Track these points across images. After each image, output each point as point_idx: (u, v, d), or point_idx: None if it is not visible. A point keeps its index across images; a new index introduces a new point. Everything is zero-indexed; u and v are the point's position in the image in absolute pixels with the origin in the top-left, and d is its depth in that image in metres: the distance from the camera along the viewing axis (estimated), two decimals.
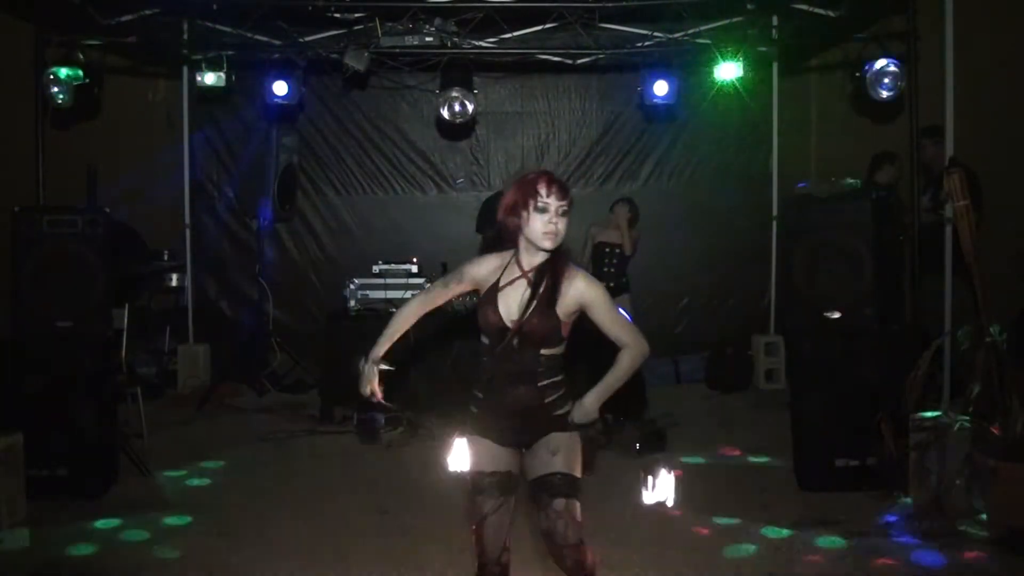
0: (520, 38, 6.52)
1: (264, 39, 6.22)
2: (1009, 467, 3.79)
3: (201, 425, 6.06)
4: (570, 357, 2.64)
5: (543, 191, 2.48)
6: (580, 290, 2.53)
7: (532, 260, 2.56)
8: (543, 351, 2.55)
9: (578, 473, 2.58)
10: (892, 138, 6.26)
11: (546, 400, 2.57)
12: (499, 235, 2.63)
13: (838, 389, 4.45)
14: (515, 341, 2.53)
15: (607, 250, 6.52)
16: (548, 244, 2.50)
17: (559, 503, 2.51)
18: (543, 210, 2.48)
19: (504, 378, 2.56)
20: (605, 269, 6.49)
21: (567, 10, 5.79)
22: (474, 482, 2.62)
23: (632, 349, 2.57)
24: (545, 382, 2.57)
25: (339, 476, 4.96)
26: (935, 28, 5.04)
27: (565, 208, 2.51)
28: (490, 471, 2.60)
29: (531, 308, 2.51)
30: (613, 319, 2.58)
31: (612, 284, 6.46)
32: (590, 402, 2.57)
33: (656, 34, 6.24)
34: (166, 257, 7.20)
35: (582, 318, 2.60)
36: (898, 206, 6.03)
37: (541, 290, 2.51)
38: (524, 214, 2.50)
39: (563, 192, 2.51)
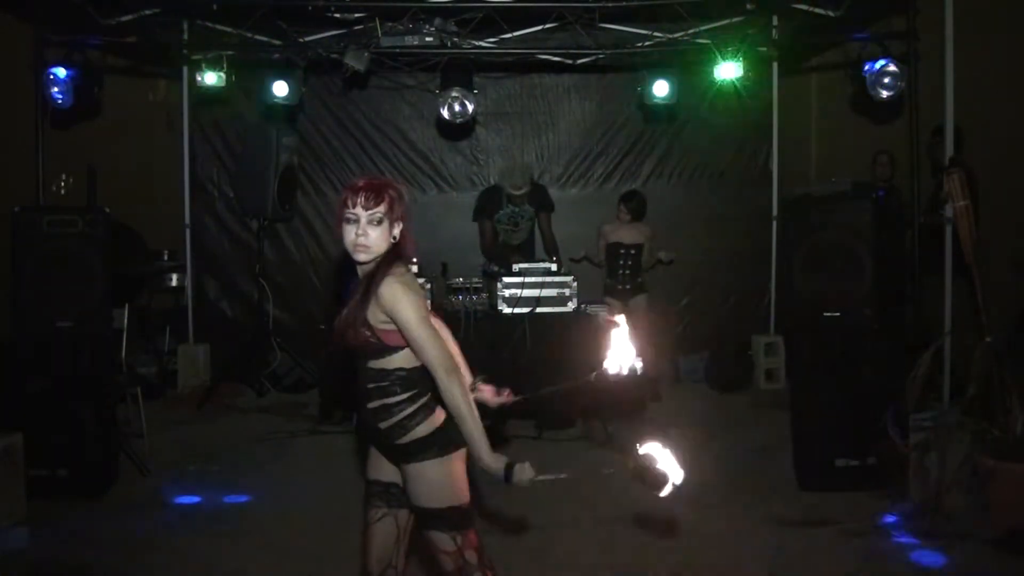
0: (520, 38, 6.52)
1: (264, 39, 6.22)
2: (1009, 467, 3.79)
3: (201, 425, 6.06)
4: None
5: (350, 201, 2.31)
6: (384, 294, 2.28)
7: (364, 270, 2.38)
8: (371, 363, 2.36)
9: (441, 502, 2.35)
10: (892, 138, 6.27)
11: (379, 425, 2.36)
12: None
13: (838, 389, 4.45)
14: (348, 352, 2.38)
15: (621, 251, 6.50)
16: (360, 257, 2.33)
17: (425, 536, 2.41)
18: (352, 221, 2.31)
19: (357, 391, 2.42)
20: (620, 271, 6.49)
21: (567, 10, 5.79)
22: (365, 487, 2.52)
23: (444, 383, 2.25)
24: (376, 403, 2.36)
25: (339, 476, 4.96)
26: (935, 28, 5.04)
27: (379, 216, 2.31)
28: (372, 479, 2.50)
29: (345, 315, 2.36)
30: (415, 338, 2.26)
31: (628, 286, 6.47)
32: (486, 462, 2.25)
33: (656, 34, 6.25)
34: (166, 257, 7.20)
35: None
36: (899, 203, 6.03)
37: (360, 296, 2.34)
38: (339, 228, 2.34)
39: (374, 199, 2.30)
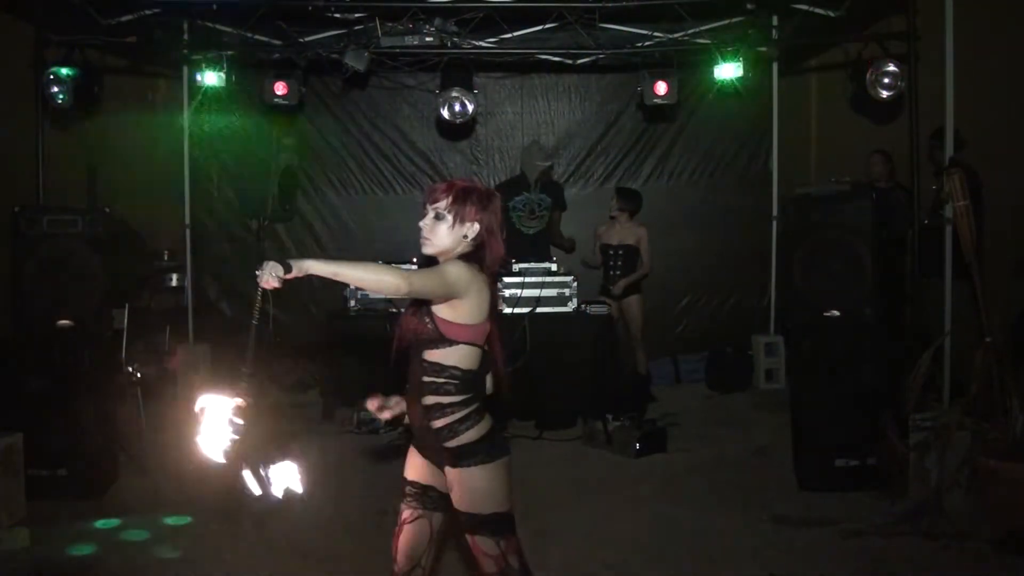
0: (520, 38, 6.52)
1: (264, 39, 6.23)
2: (1009, 467, 3.80)
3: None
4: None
5: (422, 200, 2.42)
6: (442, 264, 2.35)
7: None
8: (426, 355, 2.36)
9: (485, 508, 2.36)
10: (892, 138, 6.26)
11: (431, 423, 2.37)
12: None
13: (838, 389, 4.45)
14: (405, 345, 2.41)
15: (611, 251, 6.50)
16: (424, 249, 2.41)
17: (469, 539, 2.42)
18: (422, 217, 2.40)
19: (407, 386, 2.44)
20: (610, 272, 6.49)
21: (567, 10, 5.79)
22: (402, 485, 2.55)
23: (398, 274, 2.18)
24: (431, 400, 2.37)
25: (339, 476, 4.96)
26: (935, 28, 5.04)
27: (439, 211, 2.36)
28: (410, 480, 2.53)
29: (408, 306, 2.43)
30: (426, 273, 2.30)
31: (618, 287, 6.46)
32: (309, 263, 2.23)
33: (656, 34, 6.25)
34: (166, 257, 7.19)
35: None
36: (901, 203, 6.02)
37: None
38: None
39: (440, 193, 2.38)
